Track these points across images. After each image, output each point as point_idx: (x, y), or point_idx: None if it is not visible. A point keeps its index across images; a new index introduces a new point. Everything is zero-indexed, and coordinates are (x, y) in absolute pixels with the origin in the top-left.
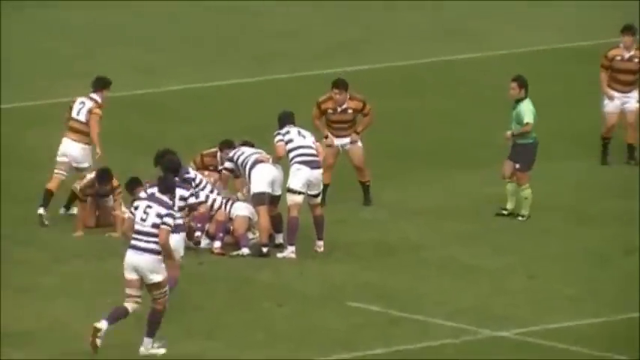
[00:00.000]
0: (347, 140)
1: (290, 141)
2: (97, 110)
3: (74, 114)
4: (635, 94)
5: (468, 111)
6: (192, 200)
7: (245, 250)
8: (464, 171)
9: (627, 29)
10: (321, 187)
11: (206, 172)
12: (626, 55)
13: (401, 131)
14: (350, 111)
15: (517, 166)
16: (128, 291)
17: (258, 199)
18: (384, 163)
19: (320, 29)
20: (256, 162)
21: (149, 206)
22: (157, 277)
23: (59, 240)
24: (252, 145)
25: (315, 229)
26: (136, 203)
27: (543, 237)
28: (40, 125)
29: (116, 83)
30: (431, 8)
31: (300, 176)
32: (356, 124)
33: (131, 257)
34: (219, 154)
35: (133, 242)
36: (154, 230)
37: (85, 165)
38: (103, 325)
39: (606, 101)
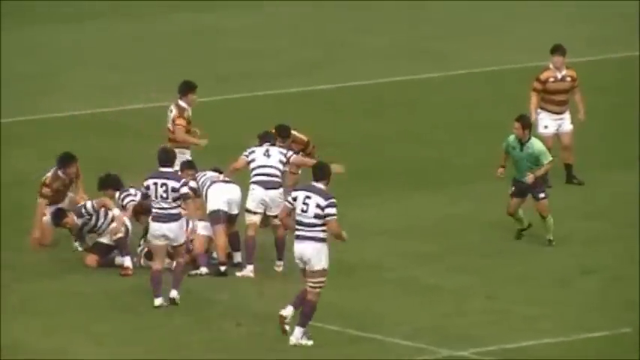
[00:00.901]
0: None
1: (252, 160)
2: None
3: None
4: (567, 115)
5: (430, 131)
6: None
7: (203, 270)
8: (425, 191)
9: (557, 49)
10: (281, 206)
11: None
12: (559, 76)
13: (362, 151)
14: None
15: (541, 195)
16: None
17: (214, 218)
18: (345, 183)
19: (282, 48)
20: (213, 182)
21: (308, 197)
22: (317, 266)
23: (20, 258)
24: (220, 172)
25: (275, 249)
26: (294, 194)
27: (502, 257)
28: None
29: (78, 102)
30: (393, 28)
31: (254, 196)
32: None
33: (297, 247)
34: (179, 174)
35: (297, 233)
36: (316, 221)
37: None
38: (288, 311)
39: (542, 126)
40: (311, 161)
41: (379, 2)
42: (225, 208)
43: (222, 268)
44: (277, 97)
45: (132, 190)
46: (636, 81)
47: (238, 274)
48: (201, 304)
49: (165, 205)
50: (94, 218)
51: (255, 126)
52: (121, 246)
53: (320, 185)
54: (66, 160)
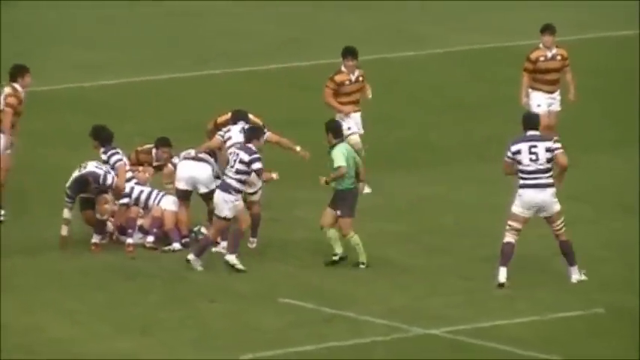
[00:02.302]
0: None
1: (229, 139)
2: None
3: None
4: (558, 95)
5: (404, 111)
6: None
7: (176, 245)
8: (400, 172)
9: (547, 29)
10: (259, 184)
11: (140, 168)
12: (549, 55)
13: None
14: None
15: (338, 212)
16: (515, 225)
17: (177, 194)
18: (320, 162)
19: (260, 28)
20: (184, 158)
21: (534, 146)
22: (556, 207)
23: None
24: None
25: (250, 226)
26: (516, 147)
27: (478, 238)
28: None
29: (54, 79)
30: (369, 8)
31: None
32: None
33: (535, 196)
34: (154, 151)
35: (533, 182)
36: (549, 165)
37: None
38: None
39: (535, 104)
40: (286, 141)
41: None
42: (187, 187)
43: (182, 242)
44: (253, 75)
45: (119, 150)
46: (618, 63)
47: (214, 249)
48: (175, 281)
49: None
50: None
51: (231, 104)
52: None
53: (250, 145)
54: (19, 70)
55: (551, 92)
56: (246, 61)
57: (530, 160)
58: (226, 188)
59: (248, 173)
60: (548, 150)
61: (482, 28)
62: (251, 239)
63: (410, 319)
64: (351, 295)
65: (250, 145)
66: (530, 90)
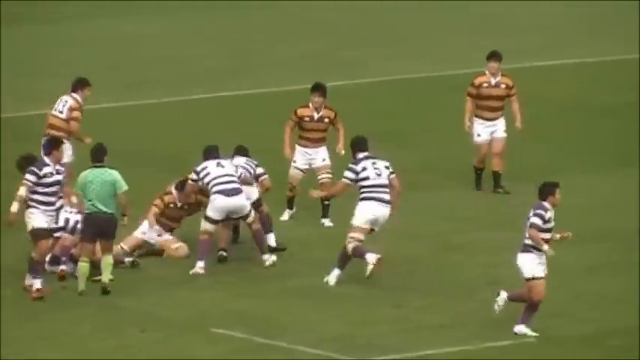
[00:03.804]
0: None
1: (207, 175)
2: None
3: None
4: (502, 121)
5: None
6: None
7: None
8: (332, 201)
9: (493, 55)
10: (245, 209)
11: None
12: (493, 82)
13: (272, 159)
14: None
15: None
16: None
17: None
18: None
19: (195, 56)
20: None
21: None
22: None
23: None
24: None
25: (256, 244)
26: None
27: (410, 266)
28: None
29: None
30: (304, 37)
31: (216, 205)
32: None
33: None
34: (174, 192)
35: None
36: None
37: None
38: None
39: (475, 134)
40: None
41: (292, 11)
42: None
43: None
44: (187, 104)
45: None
46: (549, 92)
47: (191, 272)
48: (107, 310)
49: None
50: None
51: (164, 133)
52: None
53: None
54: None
55: (493, 119)
56: (179, 90)
57: (376, 174)
58: None
59: None
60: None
61: (418, 56)
62: (264, 257)
63: (342, 349)
64: (283, 323)
65: None
66: (474, 118)
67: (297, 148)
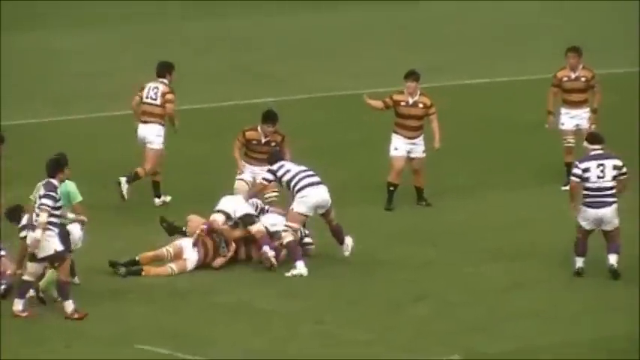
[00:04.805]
0: None
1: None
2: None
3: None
4: (420, 140)
5: None
6: None
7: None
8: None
9: (410, 75)
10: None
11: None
12: (411, 101)
13: (198, 174)
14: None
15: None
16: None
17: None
18: (181, 206)
19: (118, 70)
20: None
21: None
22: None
23: None
24: None
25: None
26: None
27: (334, 281)
28: None
29: None
30: (231, 51)
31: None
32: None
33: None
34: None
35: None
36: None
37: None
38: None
39: (392, 148)
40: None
41: (219, 24)
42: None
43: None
44: (111, 119)
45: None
46: (469, 108)
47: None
48: (32, 323)
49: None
50: None
51: (87, 147)
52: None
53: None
54: (167, 67)
55: (412, 138)
56: (103, 104)
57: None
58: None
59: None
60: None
61: (344, 73)
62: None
63: None
64: (208, 339)
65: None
66: (393, 134)
67: (245, 164)
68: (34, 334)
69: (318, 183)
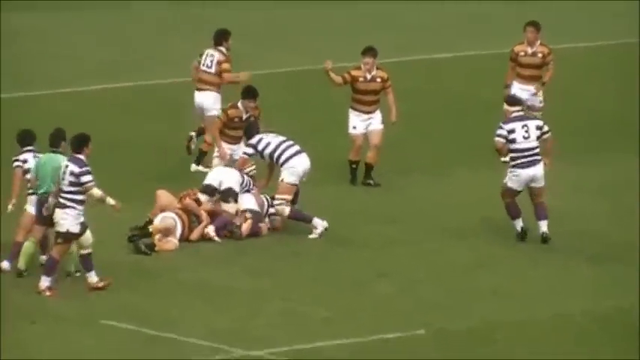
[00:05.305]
0: None
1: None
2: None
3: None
4: (378, 114)
5: None
6: None
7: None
8: None
9: (368, 51)
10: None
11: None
12: (368, 77)
13: (156, 153)
14: None
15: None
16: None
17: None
18: (141, 185)
19: (81, 51)
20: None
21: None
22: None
23: None
24: None
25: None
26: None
27: (297, 260)
28: None
29: None
30: (190, 30)
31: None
32: None
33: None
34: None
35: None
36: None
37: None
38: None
39: (350, 126)
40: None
41: (182, 3)
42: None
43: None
44: (72, 96)
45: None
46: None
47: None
48: None
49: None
50: None
51: (51, 125)
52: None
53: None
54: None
55: (369, 112)
56: (66, 83)
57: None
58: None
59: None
60: None
61: (308, 50)
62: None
63: (232, 341)
64: (171, 316)
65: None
66: (349, 111)
67: (223, 143)
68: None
69: (300, 151)
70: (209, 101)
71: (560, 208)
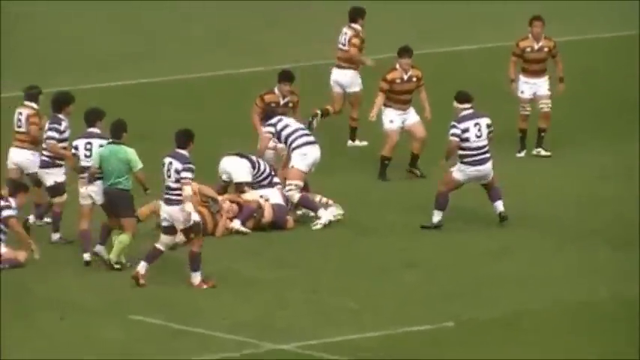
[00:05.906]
0: None
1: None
2: None
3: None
4: (412, 109)
5: (248, 124)
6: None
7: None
8: None
9: (405, 52)
10: None
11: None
12: (405, 77)
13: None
14: None
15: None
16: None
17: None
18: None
19: (103, 40)
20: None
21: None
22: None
23: None
24: None
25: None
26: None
27: (325, 250)
28: None
29: None
30: (212, 22)
31: None
32: None
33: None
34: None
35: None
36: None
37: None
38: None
39: (387, 120)
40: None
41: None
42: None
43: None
44: (102, 90)
45: None
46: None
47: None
48: (23, 295)
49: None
50: None
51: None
52: None
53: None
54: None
55: (405, 110)
56: (94, 76)
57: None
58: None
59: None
60: None
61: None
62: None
63: (259, 334)
64: (199, 309)
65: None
66: (383, 107)
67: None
68: (27, 307)
69: (314, 142)
70: (346, 78)
71: (587, 194)
